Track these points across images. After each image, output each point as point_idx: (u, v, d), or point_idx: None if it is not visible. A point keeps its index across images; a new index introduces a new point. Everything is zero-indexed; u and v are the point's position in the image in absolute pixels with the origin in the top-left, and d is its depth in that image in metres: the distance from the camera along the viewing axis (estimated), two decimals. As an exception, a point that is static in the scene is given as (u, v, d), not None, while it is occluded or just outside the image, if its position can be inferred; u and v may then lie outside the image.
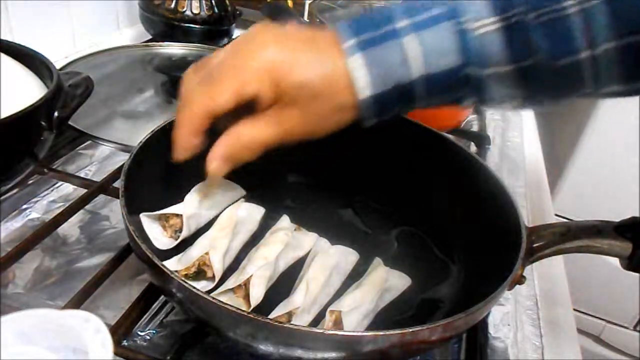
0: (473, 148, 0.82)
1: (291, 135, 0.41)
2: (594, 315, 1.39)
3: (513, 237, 0.44)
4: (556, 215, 0.80)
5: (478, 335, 0.47)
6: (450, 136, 0.60)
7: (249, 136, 0.40)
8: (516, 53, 0.36)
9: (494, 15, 0.35)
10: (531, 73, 0.36)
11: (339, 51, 0.37)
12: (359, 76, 0.37)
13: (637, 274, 0.44)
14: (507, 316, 0.52)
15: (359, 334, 0.36)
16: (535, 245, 0.43)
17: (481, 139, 0.81)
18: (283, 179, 0.61)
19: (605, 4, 0.33)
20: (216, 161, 0.41)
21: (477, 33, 0.36)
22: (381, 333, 0.33)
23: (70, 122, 0.60)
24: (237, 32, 1.04)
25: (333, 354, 0.35)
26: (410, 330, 0.34)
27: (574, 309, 0.58)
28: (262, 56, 0.38)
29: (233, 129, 0.41)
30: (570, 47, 0.35)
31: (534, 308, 0.55)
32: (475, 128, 0.89)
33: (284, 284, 0.47)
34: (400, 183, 0.61)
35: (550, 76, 0.36)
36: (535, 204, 0.75)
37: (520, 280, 0.42)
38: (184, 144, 0.41)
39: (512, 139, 0.90)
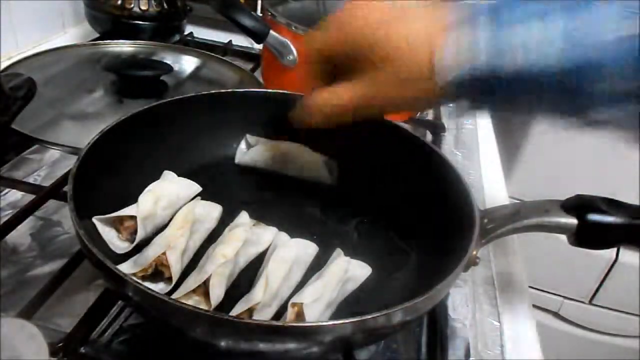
0: (429, 136, 0.83)
1: (379, 99, 0.43)
2: (552, 292, 1.44)
3: (467, 220, 0.45)
4: (511, 198, 0.82)
5: (438, 318, 0.49)
6: (405, 125, 0.61)
7: (340, 91, 0.44)
8: None
9: None
10: None
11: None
12: (460, 51, 0.37)
13: (588, 250, 0.46)
14: (465, 297, 0.53)
15: (319, 324, 0.36)
16: (488, 227, 0.45)
17: (436, 127, 0.83)
18: (237, 175, 0.61)
19: None
20: (309, 109, 0.46)
21: None
22: (340, 322, 0.34)
23: (14, 126, 0.58)
24: (188, 29, 1.02)
25: (295, 346, 0.35)
26: (370, 316, 0.34)
27: (532, 287, 0.61)
28: (354, 11, 0.43)
29: (330, 87, 0.45)
30: None
31: (491, 288, 0.57)
32: (430, 117, 0.90)
33: (244, 280, 0.46)
34: (356, 173, 0.62)
35: None
36: (490, 188, 0.77)
37: (475, 261, 0.43)
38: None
39: (467, 126, 0.92)
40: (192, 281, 0.43)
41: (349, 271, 0.47)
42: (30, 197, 0.55)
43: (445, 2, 0.40)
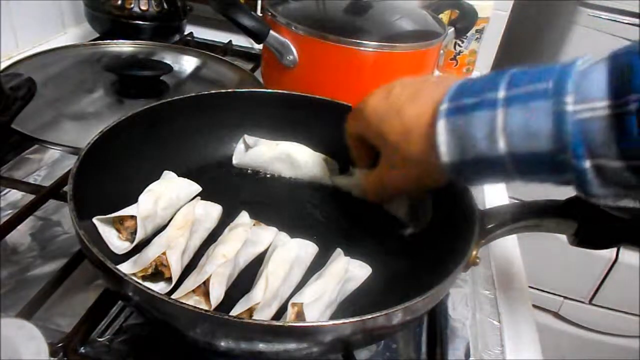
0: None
1: (393, 188, 0.48)
2: (552, 292, 1.44)
3: (467, 220, 0.45)
4: (511, 198, 0.82)
5: (438, 318, 0.49)
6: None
7: (368, 180, 0.51)
8: (628, 148, 0.29)
9: (605, 99, 0.29)
10: None
11: (434, 111, 0.38)
12: (440, 141, 0.37)
13: (588, 250, 0.46)
14: (465, 298, 0.53)
15: (319, 324, 0.36)
16: (488, 227, 0.45)
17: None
18: (237, 175, 0.61)
19: None
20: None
21: (579, 117, 0.30)
22: (340, 322, 0.33)
23: (14, 126, 0.58)
24: (188, 29, 1.02)
25: (295, 346, 0.35)
26: (370, 316, 0.34)
27: (532, 287, 0.61)
28: (367, 102, 0.46)
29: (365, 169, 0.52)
30: None
31: (491, 288, 0.57)
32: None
33: (244, 280, 0.46)
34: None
35: None
36: (490, 188, 0.77)
37: (475, 261, 0.43)
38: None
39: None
40: (192, 281, 0.44)
41: (349, 271, 0.47)
42: (30, 197, 0.55)
43: (442, 84, 0.40)
